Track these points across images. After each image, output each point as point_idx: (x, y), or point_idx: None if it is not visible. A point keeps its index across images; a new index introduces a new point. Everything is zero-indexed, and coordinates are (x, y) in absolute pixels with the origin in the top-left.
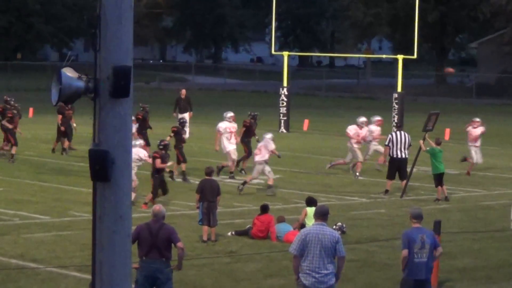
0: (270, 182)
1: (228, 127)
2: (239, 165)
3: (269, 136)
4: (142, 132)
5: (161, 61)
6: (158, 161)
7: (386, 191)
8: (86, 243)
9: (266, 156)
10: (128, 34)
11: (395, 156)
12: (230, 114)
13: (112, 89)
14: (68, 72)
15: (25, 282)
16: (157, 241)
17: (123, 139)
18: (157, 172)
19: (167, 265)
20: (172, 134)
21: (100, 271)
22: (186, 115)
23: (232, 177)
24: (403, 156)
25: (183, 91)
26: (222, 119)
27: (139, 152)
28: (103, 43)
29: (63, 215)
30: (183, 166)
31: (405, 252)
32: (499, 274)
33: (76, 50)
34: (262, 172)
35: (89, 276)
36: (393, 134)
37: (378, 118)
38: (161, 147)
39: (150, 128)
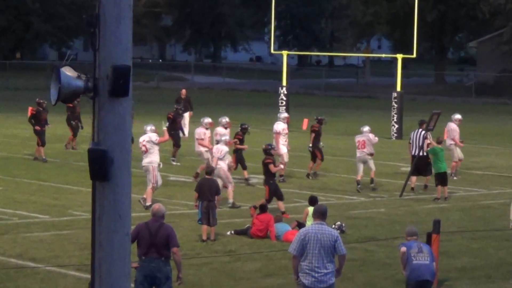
0: (373, 175)
1: (284, 128)
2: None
3: (366, 129)
4: (171, 133)
5: (160, 60)
6: (271, 166)
7: (425, 187)
8: (85, 243)
9: (371, 149)
10: (127, 33)
11: (413, 153)
12: (284, 114)
13: (111, 88)
14: (67, 71)
15: (24, 281)
16: (156, 241)
17: (122, 138)
18: (271, 178)
19: (166, 264)
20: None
21: (99, 270)
22: (186, 115)
23: (283, 180)
24: (420, 154)
25: (183, 91)
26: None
27: (222, 148)
28: (102, 42)
29: (62, 215)
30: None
31: (403, 248)
32: (498, 273)
33: (75, 49)
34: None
35: (88, 275)
36: (413, 132)
37: None
38: (268, 151)
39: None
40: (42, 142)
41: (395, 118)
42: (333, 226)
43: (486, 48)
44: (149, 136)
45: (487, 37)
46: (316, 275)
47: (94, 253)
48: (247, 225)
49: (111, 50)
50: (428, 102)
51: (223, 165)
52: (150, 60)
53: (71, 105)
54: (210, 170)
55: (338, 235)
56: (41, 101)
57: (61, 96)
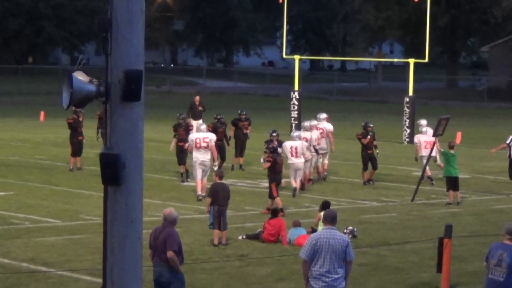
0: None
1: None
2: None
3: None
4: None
5: (172, 64)
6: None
7: None
8: (97, 247)
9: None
10: (139, 38)
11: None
12: (323, 115)
13: (123, 92)
14: (79, 76)
15: (36, 285)
16: (157, 245)
17: (134, 142)
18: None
19: (167, 269)
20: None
21: (110, 275)
22: (201, 122)
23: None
24: None
25: (197, 97)
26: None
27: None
28: (114, 47)
29: (74, 219)
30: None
31: (484, 263)
32: None
33: (87, 53)
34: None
35: (100, 280)
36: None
37: None
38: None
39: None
40: (78, 152)
41: (407, 122)
42: (345, 231)
43: (498, 53)
44: (212, 135)
45: (499, 42)
46: (327, 279)
47: (106, 258)
48: (259, 230)
49: (123, 55)
50: (440, 106)
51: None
52: (162, 65)
53: (98, 114)
54: (221, 175)
55: (349, 240)
56: (78, 109)
57: (73, 100)
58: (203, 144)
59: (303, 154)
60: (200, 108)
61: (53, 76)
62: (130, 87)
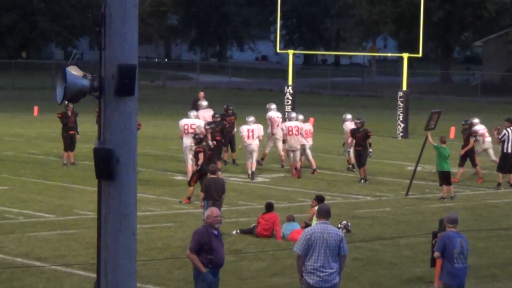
0: None
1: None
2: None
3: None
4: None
5: (165, 59)
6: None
7: (498, 184)
8: (91, 242)
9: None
10: (133, 33)
11: (508, 151)
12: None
13: (117, 87)
14: (73, 71)
15: (30, 280)
16: None
17: (128, 137)
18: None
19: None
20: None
21: (104, 270)
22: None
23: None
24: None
25: (201, 94)
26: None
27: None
28: (108, 42)
29: (68, 214)
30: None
31: (436, 254)
32: (504, 272)
33: (81, 48)
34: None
35: (93, 275)
36: (508, 130)
37: None
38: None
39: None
40: (70, 146)
41: (400, 117)
42: (339, 225)
43: (492, 47)
44: (200, 122)
45: (493, 36)
46: (321, 274)
47: (100, 252)
48: (253, 225)
49: (117, 49)
50: (434, 101)
51: None
52: (156, 59)
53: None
54: (214, 169)
55: (343, 235)
56: (67, 104)
57: (66, 95)
58: (191, 130)
59: (258, 137)
60: (203, 98)
61: (46, 71)
62: (123, 81)
